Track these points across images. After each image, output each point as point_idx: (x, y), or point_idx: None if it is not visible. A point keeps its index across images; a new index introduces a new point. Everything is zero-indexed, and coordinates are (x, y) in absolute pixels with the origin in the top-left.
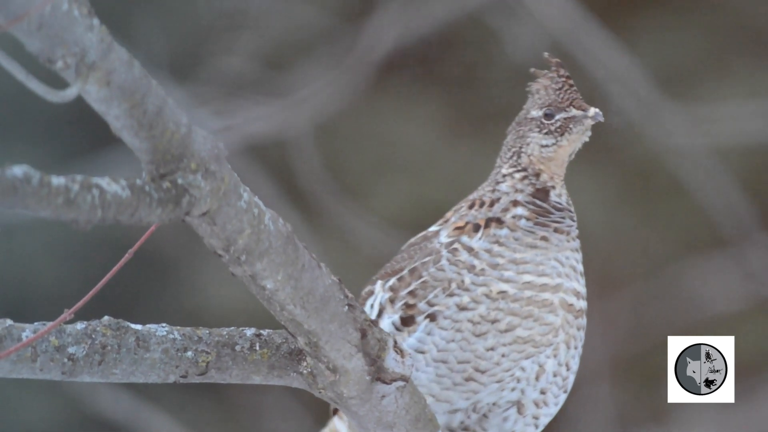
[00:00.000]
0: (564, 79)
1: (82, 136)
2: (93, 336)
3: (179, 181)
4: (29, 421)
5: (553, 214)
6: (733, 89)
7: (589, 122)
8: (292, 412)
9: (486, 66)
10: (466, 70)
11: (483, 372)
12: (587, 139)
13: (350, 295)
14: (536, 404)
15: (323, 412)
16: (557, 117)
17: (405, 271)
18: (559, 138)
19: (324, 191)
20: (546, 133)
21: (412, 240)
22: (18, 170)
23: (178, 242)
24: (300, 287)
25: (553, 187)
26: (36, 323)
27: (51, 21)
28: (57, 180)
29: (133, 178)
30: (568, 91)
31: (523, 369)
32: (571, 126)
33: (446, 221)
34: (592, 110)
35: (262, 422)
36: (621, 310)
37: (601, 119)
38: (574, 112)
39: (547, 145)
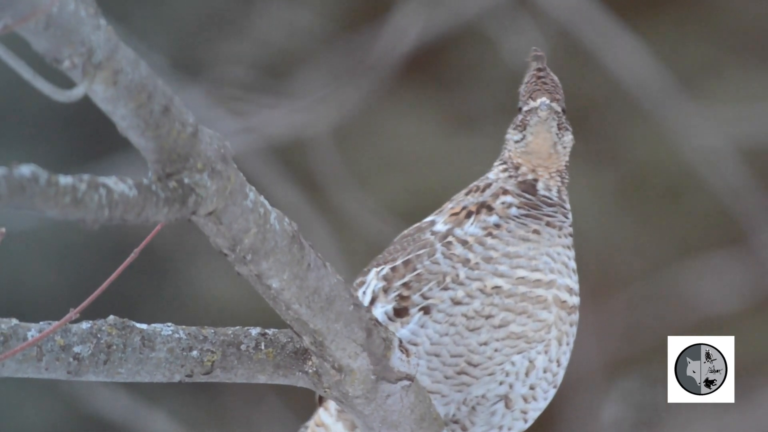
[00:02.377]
0: (534, 72)
1: (87, 140)
2: (98, 335)
3: (185, 180)
4: (28, 421)
5: (543, 208)
6: (741, 90)
7: (543, 114)
8: (286, 415)
9: (484, 68)
10: (464, 72)
11: (475, 366)
12: (557, 130)
13: (355, 294)
14: (525, 399)
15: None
16: (523, 111)
17: (399, 262)
18: (524, 132)
19: (337, 187)
20: (514, 128)
21: (405, 231)
22: (26, 170)
23: (175, 249)
24: (305, 286)
25: (536, 180)
26: (41, 322)
27: (58, 21)
28: (64, 179)
29: (140, 177)
30: (535, 84)
31: (513, 363)
32: (528, 119)
33: (442, 210)
34: (539, 100)
35: (257, 425)
36: (619, 312)
37: (545, 109)
38: (531, 104)
39: (518, 141)
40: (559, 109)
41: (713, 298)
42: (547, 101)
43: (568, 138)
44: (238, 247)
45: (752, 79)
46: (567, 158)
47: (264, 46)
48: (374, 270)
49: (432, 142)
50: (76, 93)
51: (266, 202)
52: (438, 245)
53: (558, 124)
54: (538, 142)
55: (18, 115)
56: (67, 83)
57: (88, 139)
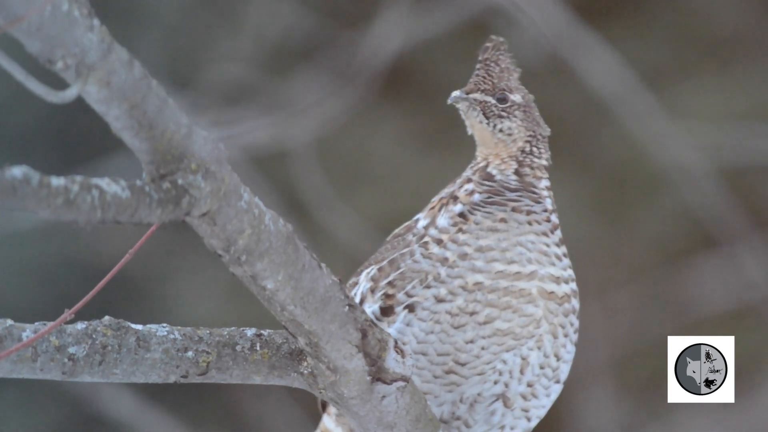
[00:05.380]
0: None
1: (80, 141)
2: (93, 336)
3: (179, 181)
4: (32, 421)
5: (505, 193)
6: (711, 97)
7: (461, 106)
8: (293, 413)
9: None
10: (445, 83)
11: (463, 365)
12: (483, 118)
13: (351, 295)
14: (524, 397)
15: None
16: None
17: (385, 262)
18: None
19: (317, 198)
20: None
21: (397, 230)
22: (17, 171)
23: (155, 264)
24: (300, 287)
25: (487, 165)
26: (36, 323)
27: (51, 22)
28: (56, 181)
29: (133, 179)
30: (475, 75)
31: (504, 362)
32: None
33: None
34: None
35: (264, 422)
36: (621, 311)
37: (452, 100)
38: None
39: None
40: (485, 99)
41: (713, 298)
42: (456, 93)
43: (507, 124)
44: (233, 248)
45: (723, 86)
46: (521, 144)
47: (249, 52)
48: (365, 271)
49: (413, 155)
50: (69, 94)
51: (261, 203)
52: (415, 246)
53: (485, 113)
54: (477, 134)
55: (11, 117)
56: (61, 84)
57: (81, 140)
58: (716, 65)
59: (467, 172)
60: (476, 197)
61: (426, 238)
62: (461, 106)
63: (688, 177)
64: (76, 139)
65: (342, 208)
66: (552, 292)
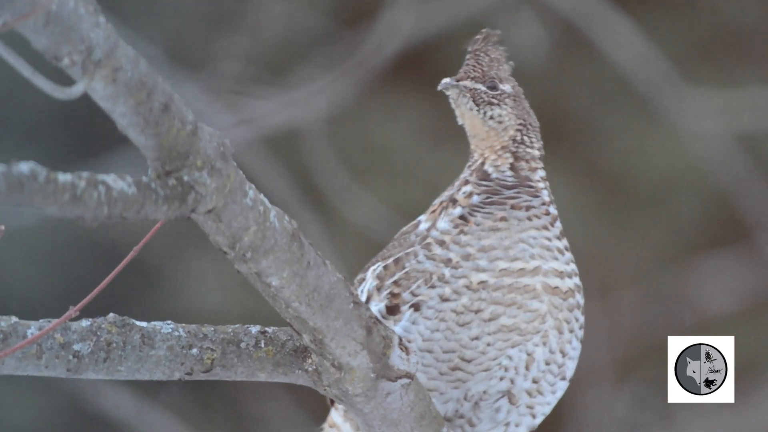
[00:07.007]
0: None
1: (86, 137)
2: (98, 333)
3: (185, 178)
4: (31, 419)
5: (502, 192)
6: (735, 77)
7: (451, 93)
8: (295, 414)
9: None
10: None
11: (469, 361)
12: (473, 105)
13: (355, 292)
14: (529, 394)
15: (326, 414)
16: None
17: (390, 260)
18: None
19: (330, 178)
20: None
21: (404, 228)
22: (24, 167)
23: (166, 255)
24: (305, 284)
25: (484, 162)
26: (41, 320)
27: (57, 18)
28: (63, 177)
29: (139, 175)
30: (465, 65)
31: (509, 358)
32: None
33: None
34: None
35: (265, 423)
36: (623, 311)
37: (442, 87)
38: None
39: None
40: (475, 86)
41: (714, 298)
42: (446, 80)
43: (498, 111)
44: (238, 245)
45: (745, 66)
46: (512, 132)
47: (260, 40)
48: (372, 267)
49: (424, 135)
50: (75, 91)
51: (266, 200)
52: (418, 247)
53: (476, 100)
54: (467, 123)
55: (17, 113)
56: (67, 81)
57: (87, 136)
58: (741, 61)
59: (465, 173)
60: (475, 199)
61: (428, 240)
62: (451, 94)
63: (713, 157)
64: (84, 133)
65: (355, 187)
66: (556, 287)
